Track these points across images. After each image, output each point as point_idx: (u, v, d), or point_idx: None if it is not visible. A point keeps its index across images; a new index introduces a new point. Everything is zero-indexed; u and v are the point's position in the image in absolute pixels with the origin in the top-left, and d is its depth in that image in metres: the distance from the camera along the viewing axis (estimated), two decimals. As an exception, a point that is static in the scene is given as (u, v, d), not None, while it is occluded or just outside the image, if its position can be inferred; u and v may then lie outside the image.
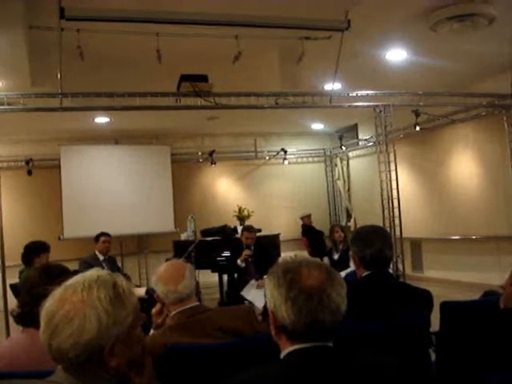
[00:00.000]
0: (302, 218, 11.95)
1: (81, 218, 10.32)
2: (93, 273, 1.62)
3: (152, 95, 6.51)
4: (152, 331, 2.78)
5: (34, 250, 5.97)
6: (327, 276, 1.68)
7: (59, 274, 2.57)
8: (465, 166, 9.37)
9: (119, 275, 1.68)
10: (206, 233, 9.25)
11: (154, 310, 2.78)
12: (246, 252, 7.59)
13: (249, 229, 8.03)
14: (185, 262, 2.88)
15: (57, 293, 1.56)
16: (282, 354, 1.67)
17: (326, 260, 8.14)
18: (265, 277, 1.81)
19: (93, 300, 1.51)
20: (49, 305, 1.53)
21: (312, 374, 1.56)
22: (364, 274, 2.96)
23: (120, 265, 9.18)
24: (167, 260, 3.42)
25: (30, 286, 2.52)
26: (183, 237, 9.48)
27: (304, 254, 10.73)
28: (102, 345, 1.48)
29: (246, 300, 7.11)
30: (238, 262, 7.58)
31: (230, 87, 6.76)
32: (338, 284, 1.68)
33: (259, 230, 10.12)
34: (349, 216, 12.80)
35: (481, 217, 8.91)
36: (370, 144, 11.40)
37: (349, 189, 12.90)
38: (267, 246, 8.45)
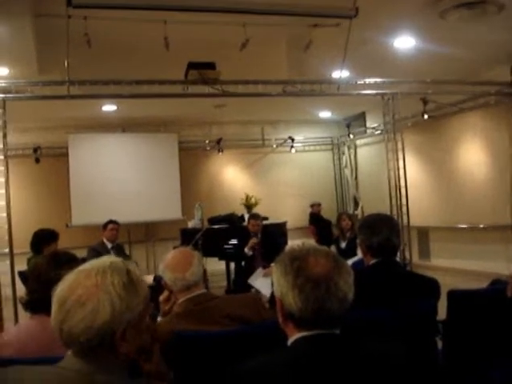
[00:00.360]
0: (312, 206, 11.93)
1: (88, 206, 10.36)
2: (105, 259, 1.63)
3: (160, 83, 6.50)
4: (159, 318, 2.80)
5: (43, 239, 5.99)
6: (334, 264, 1.68)
7: (67, 261, 2.59)
8: (473, 154, 9.33)
9: (131, 262, 1.70)
10: (213, 221, 9.26)
11: (161, 298, 2.80)
12: (253, 240, 7.60)
13: (255, 216, 8.04)
14: (192, 250, 2.89)
15: (69, 278, 1.57)
16: (289, 341, 1.68)
17: (333, 248, 8.15)
18: (272, 264, 1.81)
19: (106, 285, 1.52)
20: (61, 289, 1.54)
21: (319, 361, 1.57)
22: (371, 262, 2.96)
23: (128, 252, 9.22)
24: (175, 248, 3.43)
25: (38, 273, 2.54)
26: (190, 225, 9.50)
27: (311, 241, 10.74)
28: (114, 329, 1.49)
29: (253, 288, 7.13)
30: (246, 250, 7.59)
31: (237, 75, 6.74)
32: (346, 272, 1.69)
33: (266, 218, 10.15)
34: (356, 204, 12.78)
35: (488, 205, 8.88)
36: (378, 132, 11.35)
37: (356, 177, 12.88)
38: (274, 234, 8.46)
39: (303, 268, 1.65)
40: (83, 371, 1.48)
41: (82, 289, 1.51)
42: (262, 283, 7.08)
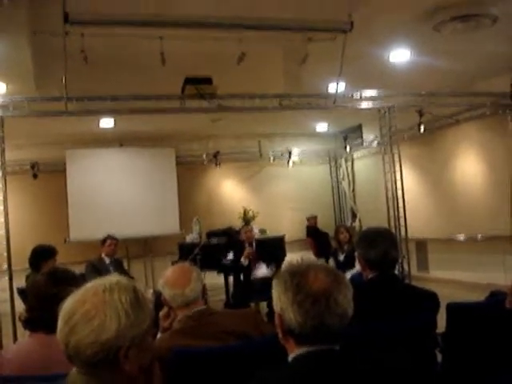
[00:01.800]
0: (308, 219, 11.96)
1: (86, 221, 10.35)
2: (112, 277, 1.65)
3: (156, 98, 6.52)
4: (159, 334, 2.79)
5: (41, 255, 5.98)
6: (334, 279, 1.69)
7: (66, 278, 2.59)
8: (469, 166, 9.35)
9: (135, 281, 1.72)
10: (211, 235, 9.26)
11: (161, 314, 2.79)
12: (248, 250, 7.73)
13: (245, 225, 8.53)
14: (191, 266, 2.88)
15: (77, 293, 1.59)
16: (290, 357, 1.68)
17: (331, 261, 8.15)
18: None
19: (114, 301, 1.54)
20: (68, 304, 1.55)
21: (319, 377, 1.57)
22: (370, 276, 2.96)
23: (126, 267, 9.20)
24: (173, 263, 3.44)
25: (37, 291, 2.54)
26: (189, 239, 9.50)
27: (309, 254, 10.75)
28: (119, 345, 1.50)
29: (252, 301, 7.18)
30: (242, 260, 7.72)
31: (234, 89, 6.77)
32: (345, 287, 1.69)
33: (264, 231, 10.17)
34: (354, 216, 12.80)
35: (486, 216, 8.90)
36: (375, 145, 11.38)
37: (353, 189, 12.91)
38: (270, 247, 8.58)
39: (303, 284, 1.65)
40: None
41: (90, 304, 1.52)
42: (266, 271, 7.77)
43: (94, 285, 1.61)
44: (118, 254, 7.76)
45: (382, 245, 2.92)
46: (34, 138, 10.07)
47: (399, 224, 7.89)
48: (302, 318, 1.62)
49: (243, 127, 11.12)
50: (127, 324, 1.52)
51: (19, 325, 2.54)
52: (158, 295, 3.31)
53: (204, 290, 2.78)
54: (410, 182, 9.80)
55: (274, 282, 1.74)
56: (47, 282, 2.53)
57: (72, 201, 10.48)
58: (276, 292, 1.71)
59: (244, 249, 7.88)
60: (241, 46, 5.78)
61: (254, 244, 8.02)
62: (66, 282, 2.56)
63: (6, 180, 6.15)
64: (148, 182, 11.09)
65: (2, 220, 6.14)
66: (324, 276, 1.68)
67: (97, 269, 7.05)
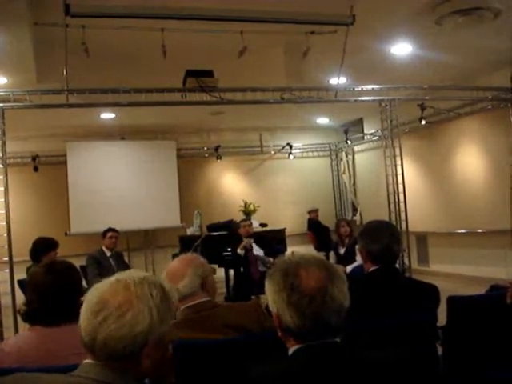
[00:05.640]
0: (309, 213, 11.96)
1: (87, 214, 10.37)
2: (137, 272, 1.66)
3: (158, 91, 6.51)
4: None
5: (42, 247, 6.00)
6: (327, 274, 1.68)
7: (64, 270, 2.59)
8: (471, 159, 9.34)
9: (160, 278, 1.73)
10: (212, 228, 9.26)
11: None
12: (246, 240, 7.73)
13: (244, 219, 8.58)
14: (193, 259, 2.87)
15: (103, 286, 1.59)
16: (290, 351, 1.68)
17: (332, 254, 8.16)
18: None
19: (146, 295, 1.55)
20: (95, 296, 1.55)
21: (320, 369, 1.57)
22: (371, 269, 2.96)
23: (127, 260, 9.21)
24: (174, 255, 3.44)
25: (35, 284, 2.53)
26: (189, 232, 9.51)
27: (310, 248, 10.76)
28: (148, 340, 1.51)
29: (253, 295, 7.18)
30: (238, 250, 7.74)
31: (235, 82, 6.76)
32: (339, 280, 1.68)
33: (265, 225, 10.16)
34: (355, 210, 12.81)
35: (487, 211, 8.89)
36: (376, 138, 11.37)
37: (354, 183, 12.90)
38: (270, 241, 8.59)
39: (297, 284, 1.64)
40: (100, 379, 1.49)
41: (122, 297, 1.53)
42: None
43: (122, 278, 1.61)
44: (118, 246, 7.77)
45: (384, 238, 2.92)
46: (35, 131, 10.08)
47: (400, 218, 7.88)
48: (300, 319, 1.62)
49: (244, 120, 11.12)
50: (158, 319, 1.53)
51: (20, 318, 2.54)
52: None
53: (206, 282, 2.77)
54: (411, 175, 9.78)
55: (267, 282, 1.74)
56: (45, 275, 2.52)
57: (73, 193, 10.50)
58: (270, 292, 1.71)
59: (241, 241, 7.91)
60: (242, 39, 5.77)
61: (252, 237, 8.04)
62: (64, 274, 2.57)
63: (7, 172, 6.13)
64: (149, 174, 11.10)
65: (3, 212, 6.13)
66: (317, 272, 1.67)
67: (98, 261, 7.06)
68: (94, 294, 1.56)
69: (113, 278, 1.61)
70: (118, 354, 1.49)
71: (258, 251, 8.01)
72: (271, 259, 7.74)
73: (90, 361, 1.53)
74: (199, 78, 6.46)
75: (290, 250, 8.88)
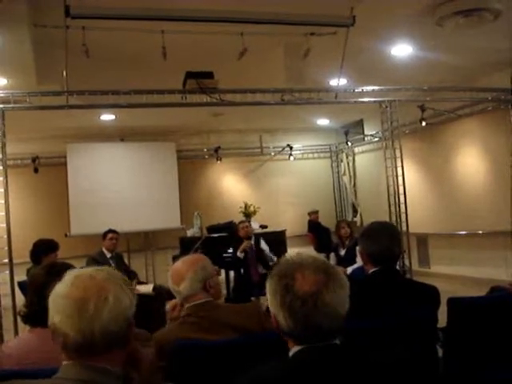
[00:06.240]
0: (310, 214, 11.95)
1: (87, 215, 10.36)
2: (76, 269, 1.71)
3: (158, 92, 6.50)
4: (168, 323, 2.86)
5: (42, 249, 6.00)
6: (324, 278, 1.67)
7: (65, 272, 2.58)
8: (471, 160, 9.34)
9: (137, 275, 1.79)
10: (212, 229, 9.26)
11: (169, 304, 2.87)
12: (246, 243, 7.69)
13: (242, 221, 8.45)
14: (197, 260, 2.87)
15: (68, 285, 1.60)
16: (291, 353, 1.68)
17: (332, 256, 8.15)
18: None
19: (108, 278, 1.59)
20: (69, 295, 1.56)
21: (320, 371, 1.57)
22: (372, 271, 2.96)
23: (127, 262, 9.20)
24: (174, 257, 3.45)
25: (35, 286, 2.53)
26: (189, 233, 9.50)
27: (310, 250, 10.75)
28: (131, 319, 1.57)
29: (253, 296, 7.18)
30: (238, 253, 7.69)
31: (235, 83, 6.75)
32: (337, 285, 1.67)
33: (266, 226, 10.16)
34: (355, 211, 12.80)
35: (487, 212, 8.89)
36: (376, 139, 11.36)
37: (355, 184, 12.89)
38: (271, 243, 8.57)
39: (291, 286, 1.65)
40: (80, 378, 1.49)
41: (95, 287, 1.55)
42: None
43: (78, 274, 1.63)
44: (118, 248, 7.76)
45: (385, 240, 2.92)
46: (35, 132, 10.07)
47: (400, 219, 7.87)
48: (292, 321, 1.63)
49: (244, 122, 11.12)
50: (129, 292, 1.59)
51: (21, 320, 2.54)
52: (158, 289, 3.33)
53: (208, 282, 2.78)
54: (412, 176, 9.78)
55: (267, 283, 1.75)
56: (45, 276, 2.52)
57: (73, 195, 10.49)
58: (268, 294, 1.72)
59: (241, 243, 7.84)
60: (242, 41, 5.77)
61: (252, 239, 8.00)
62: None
63: (7, 174, 6.12)
64: (149, 176, 11.09)
65: (3, 214, 6.12)
66: (312, 275, 1.66)
67: (98, 263, 7.04)
68: (63, 295, 1.58)
69: (68, 277, 1.62)
70: (118, 338, 1.52)
71: (264, 245, 8.07)
72: (275, 258, 7.76)
73: (69, 362, 1.54)
74: (199, 80, 6.45)
75: (290, 251, 8.89)
